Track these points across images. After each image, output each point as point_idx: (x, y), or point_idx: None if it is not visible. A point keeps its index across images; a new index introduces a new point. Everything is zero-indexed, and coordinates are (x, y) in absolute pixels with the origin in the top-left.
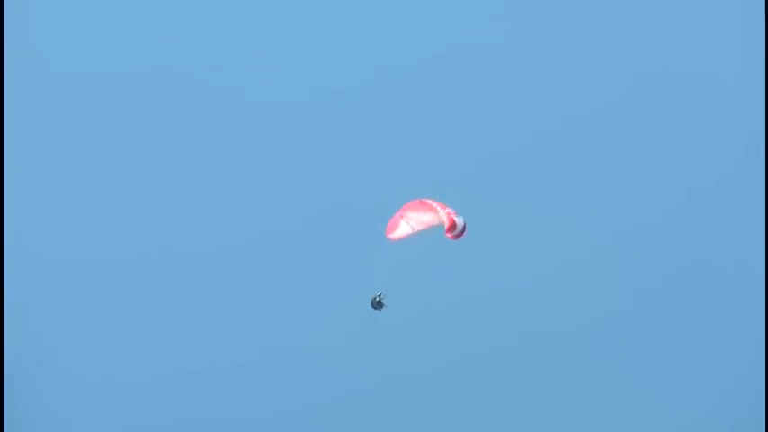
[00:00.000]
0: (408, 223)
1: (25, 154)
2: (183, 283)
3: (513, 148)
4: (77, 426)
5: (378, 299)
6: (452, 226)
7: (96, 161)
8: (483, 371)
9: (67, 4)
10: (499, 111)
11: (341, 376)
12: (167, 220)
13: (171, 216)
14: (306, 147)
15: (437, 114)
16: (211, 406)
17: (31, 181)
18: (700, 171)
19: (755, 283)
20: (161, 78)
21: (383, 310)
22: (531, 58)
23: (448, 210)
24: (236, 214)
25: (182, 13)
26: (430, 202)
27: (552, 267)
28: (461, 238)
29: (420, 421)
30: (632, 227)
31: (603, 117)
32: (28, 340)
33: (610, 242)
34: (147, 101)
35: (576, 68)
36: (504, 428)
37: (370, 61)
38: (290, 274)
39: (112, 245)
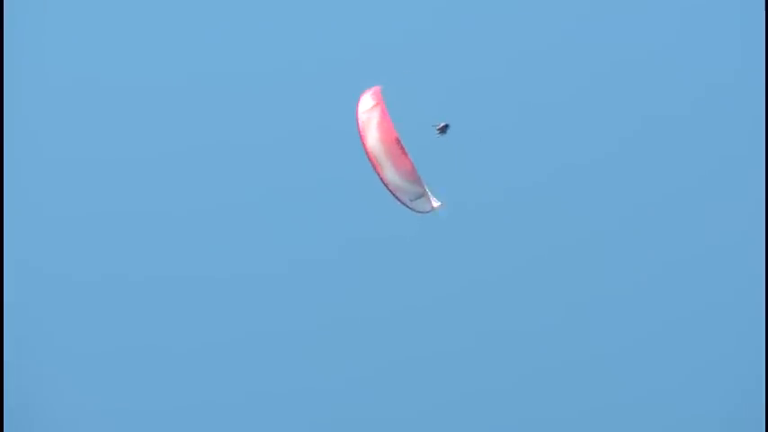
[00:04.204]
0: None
1: (24, 153)
2: (183, 280)
3: (512, 144)
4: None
5: (441, 126)
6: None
7: (96, 161)
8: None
9: (68, 7)
10: (496, 108)
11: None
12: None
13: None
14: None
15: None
16: (210, 403)
17: (31, 182)
18: (700, 169)
19: (755, 283)
20: (156, 79)
21: (444, 132)
22: (527, 54)
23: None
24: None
25: (180, 16)
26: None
27: (549, 264)
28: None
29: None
30: (632, 225)
31: (604, 114)
32: (27, 340)
33: (609, 240)
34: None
35: (578, 66)
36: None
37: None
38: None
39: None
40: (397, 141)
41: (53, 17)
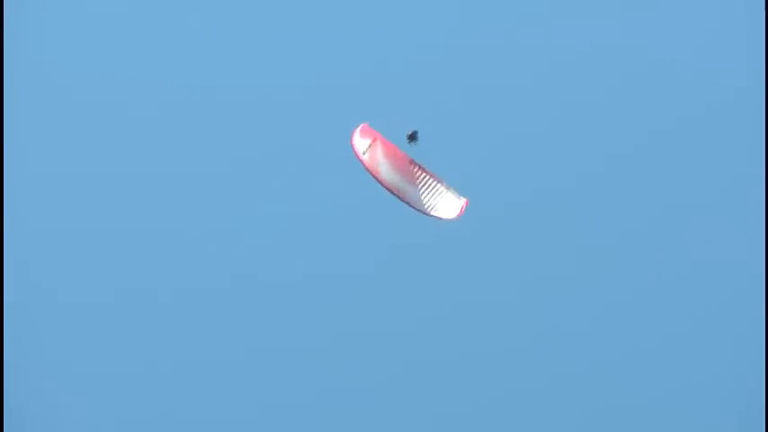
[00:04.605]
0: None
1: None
2: (184, 276)
3: (513, 147)
4: (77, 425)
5: (414, 135)
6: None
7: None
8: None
9: (67, 9)
10: (494, 111)
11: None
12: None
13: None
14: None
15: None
16: (212, 399)
17: (31, 181)
18: (699, 171)
19: (755, 284)
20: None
21: (414, 141)
22: (529, 57)
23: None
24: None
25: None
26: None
27: (552, 269)
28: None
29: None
30: (632, 227)
31: (604, 118)
32: (28, 339)
33: (610, 243)
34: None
35: (576, 68)
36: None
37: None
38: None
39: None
40: (411, 162)
41: (55, 22)
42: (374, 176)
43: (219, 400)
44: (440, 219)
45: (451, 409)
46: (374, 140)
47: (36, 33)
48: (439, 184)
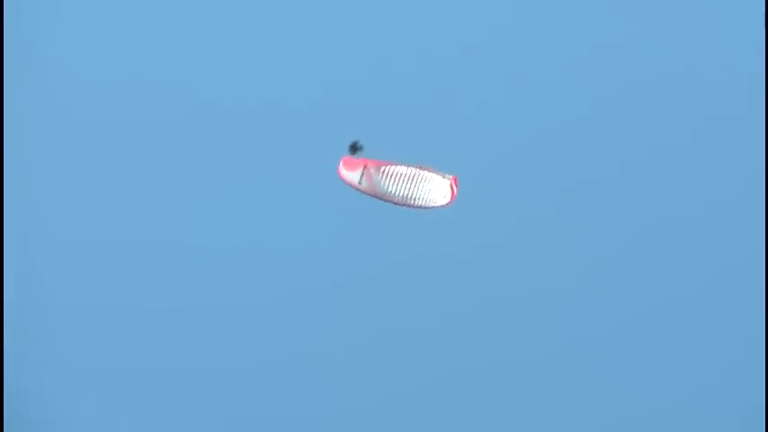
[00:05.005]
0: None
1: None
2: (184, 276)
3: (511, 151)
4: (78, 424)
5: (356, 145)
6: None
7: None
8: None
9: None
10: (498, 113)
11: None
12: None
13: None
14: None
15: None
16: (214, 401)
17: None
18: (698, 173)
19: (755, 285)
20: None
21: (358, 151)
22: (530, 57)
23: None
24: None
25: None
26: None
27: (549, 269)
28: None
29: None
30: (632, 229)
31: (602, 120)
32: (28, 338)
33: (609, 245)
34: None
35: (571, 70)
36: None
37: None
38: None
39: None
40: (407, 167)
41: (58, 23)
42: (377, 198)
43: (221, 406)
44: (438, 207)
45: (465, 416)
46: (364, 167)
47: (37, 34)
48: (434, 174)
